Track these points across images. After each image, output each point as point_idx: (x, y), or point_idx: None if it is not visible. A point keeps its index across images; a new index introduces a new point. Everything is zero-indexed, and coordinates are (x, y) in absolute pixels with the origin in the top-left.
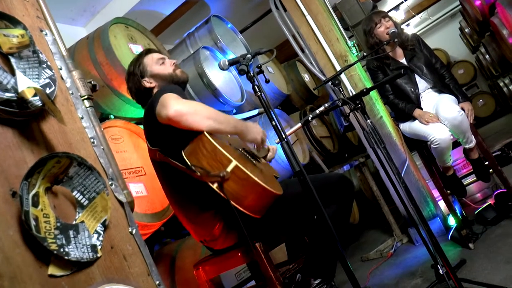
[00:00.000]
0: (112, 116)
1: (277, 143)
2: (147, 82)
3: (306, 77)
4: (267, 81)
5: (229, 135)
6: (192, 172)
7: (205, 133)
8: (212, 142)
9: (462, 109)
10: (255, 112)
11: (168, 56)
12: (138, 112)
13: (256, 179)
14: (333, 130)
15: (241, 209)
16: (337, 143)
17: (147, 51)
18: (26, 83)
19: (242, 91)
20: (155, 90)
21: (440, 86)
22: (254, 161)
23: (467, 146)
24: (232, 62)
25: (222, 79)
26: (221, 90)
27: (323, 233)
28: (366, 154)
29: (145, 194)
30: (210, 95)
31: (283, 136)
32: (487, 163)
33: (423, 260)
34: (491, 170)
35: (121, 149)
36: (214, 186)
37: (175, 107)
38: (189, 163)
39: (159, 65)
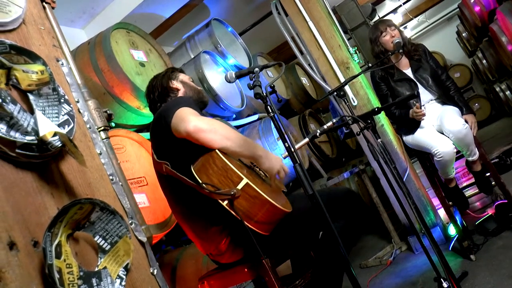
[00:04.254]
0: (113, 124)
1: (284, 158)
2: (174, 84)
3: (304, 81)
4: (279, 101)
5: None
6: (201, 188)
7: (217, 150)
8: (222, 159)
9: (466, 121)
10: (255, 117)
11: None
12: (139, 119)
13: (266, 197)
14: (332, 135)
15: (250, 226)
16: (335, 148)
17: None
18: (48, 127)
19: (242, 96)
20: (178, 94)
21: (445, 98)
22: (263, 177)
23: (470, 159)
24: (239, 75)
25: (222, 82)
26: (221, 95)
27: (331, 249)
28: (366, 161)
29: (147, 204)
30: (211, 100)
31: (296, 159)
32: (488, 174)
33: (424, 269)
34: (493, 183)
35: (123, 159)
36: (224, 203)
37: (195, 122)
38: (199, 180)
39: (190, 81)
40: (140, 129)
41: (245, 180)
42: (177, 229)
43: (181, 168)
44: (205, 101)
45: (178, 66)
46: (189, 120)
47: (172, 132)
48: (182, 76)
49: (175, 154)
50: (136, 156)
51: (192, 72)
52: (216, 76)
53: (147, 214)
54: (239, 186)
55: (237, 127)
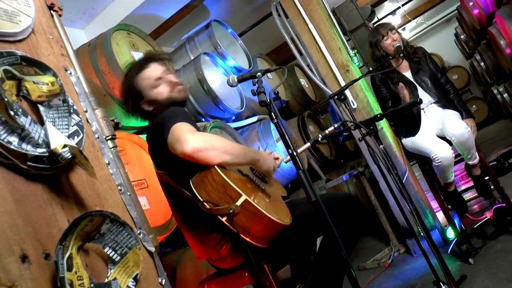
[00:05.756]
0: None
1: (286, 162)
2: (146, 106)
3: (303, 82)
4: (283, 106)
5: None
6: (199, 202)
7: (216, 166)
8: (221, 175)
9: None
10: (255, 119)
11: (168, 66)
12: (140, 121)
13: (265, 212)
14: (331, 136)
15: (248, 240)
16: (334, 150)
17: (145, 64)
18: (59, 140)
19: (241, 98)
20: (155, 112)
21: (445, 102)
22: (262, 186)
23: (470, 163)
24: (241, 79)
25: (222, 84)
26: (221, 96)
27: (331, 253)
28: (365, 164)
29: (148, 207)
30: (210, 102)
31: (300, 166)
32: (487, 178)
33: (422, 272)
34: (492, 187)
35: (124, 162)
36: (224, 219)
37: (192, 143)
38: (199, 197)
39: (154, 89)
40: (140, 131)
41: (244, 197)
42: (177, 231)
43: (180, 181)
44: (180, 100)
45: (178, 68)
46: (186, 141)
47: (168, 148)
48: (146, 92)
49: (173, 167)
50: (137, 158)
51: (192, 73)
52: (215, 78)
53: (147, 216)
54: (238, 203)
55: (236, 129)
